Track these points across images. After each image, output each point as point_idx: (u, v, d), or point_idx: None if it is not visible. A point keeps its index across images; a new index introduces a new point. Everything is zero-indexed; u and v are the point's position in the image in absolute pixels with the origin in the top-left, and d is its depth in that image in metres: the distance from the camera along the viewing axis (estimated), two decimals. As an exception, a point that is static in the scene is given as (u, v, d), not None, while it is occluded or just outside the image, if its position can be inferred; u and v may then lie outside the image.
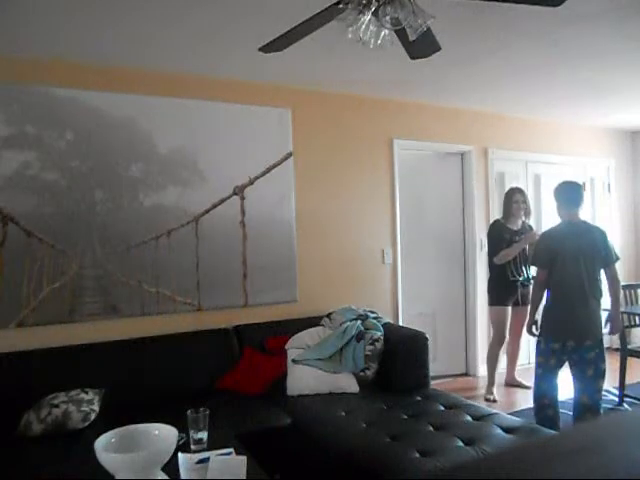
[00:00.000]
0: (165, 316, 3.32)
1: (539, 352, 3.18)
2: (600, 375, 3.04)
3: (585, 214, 5.41)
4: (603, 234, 3.12)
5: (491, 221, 4.47)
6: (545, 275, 3.15)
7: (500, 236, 4.14)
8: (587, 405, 3.06)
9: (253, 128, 3.60)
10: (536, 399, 3.22)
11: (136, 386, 2.89)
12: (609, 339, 5.63)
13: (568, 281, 3.05)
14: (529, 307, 3.39)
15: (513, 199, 4.19)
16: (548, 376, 3.14)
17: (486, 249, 4.70)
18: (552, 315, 3.12)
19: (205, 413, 2.15)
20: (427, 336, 3.23)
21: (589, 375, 3.03)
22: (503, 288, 4.15)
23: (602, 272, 3.15)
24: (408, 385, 3.07)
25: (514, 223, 4.21)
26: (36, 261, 2.97)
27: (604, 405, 3.90)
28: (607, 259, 3.09)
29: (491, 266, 4.22)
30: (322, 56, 3.14)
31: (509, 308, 4.17)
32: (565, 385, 4.01)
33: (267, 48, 2.14)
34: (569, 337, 3.02)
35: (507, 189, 4.40)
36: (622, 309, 4.05)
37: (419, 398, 2.93)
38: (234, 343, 3.28)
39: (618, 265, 3.24)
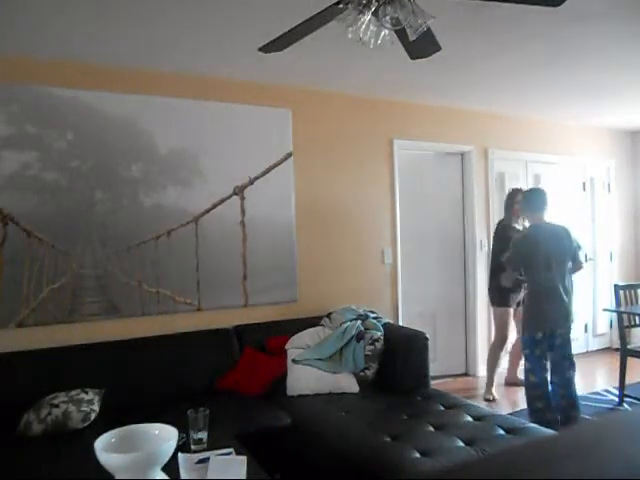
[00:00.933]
0: (165, 316, 3.32)
1: (525, 346, 3.47)
2: (567, 357, 3.38)
3: (584, 214, 5.46)
4: (567, 231, 3.47)
5: (495, 222, 4.44)
6: (516, 277, 3.57)
7: (508, 236, 4.09)
8: (564, 397, 3.36)
9: (253, 128, 3.60)
10: (527, 391, 3.45)
11: (136, 386, 2.89)
12: (609, 339, 5.66)
13: (544, 283, 3.37)
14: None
15: (516, 199, 4.17)
16: (537, 368, 3.38)
17: (486, 249, 4.72)
18: (532, 311, 3.42)
19: (205, 413, 2.15)
20: (427, 336, 3.23)
21: (558, 359, 3.38)
22: (508, 288, 4.12)
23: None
24: (408, 385, 3.07)
25: (517, 223, 4.20)
26: (36, 261, 2.97)
27: (604, 405, 3.93)
28: (575, 253, 3.47)
29: (495, 267, 4.19)
30: (322, 56, 3.14)
31: (511, 309, 4.16)
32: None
33: (267, 48, 2.14)
34: (547, 327, 3.36)
35: (509, 190, 4.37)
36: (622, 309, 4.08)
37: (419, 398, 2.92)
38: (234, 343, 3.28)
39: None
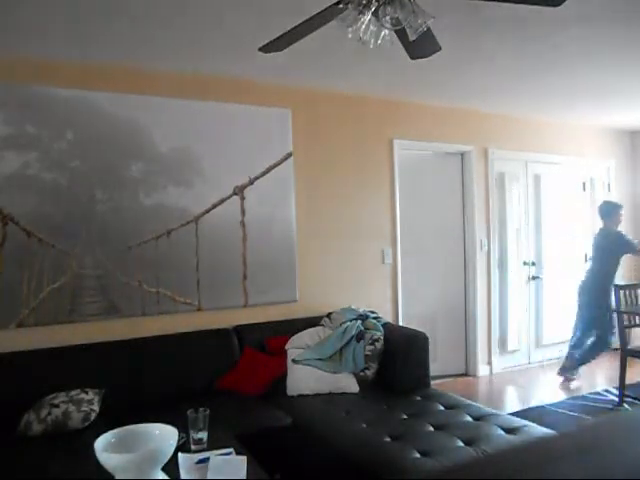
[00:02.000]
0: (165, 316, 3.32)
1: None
2: None
3: (585, 214, 5.47)
4: (615, 235, 4.45)
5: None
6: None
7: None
8: None
9: (253, 128, 3.60)
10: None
11: (136, 386, 2.89)
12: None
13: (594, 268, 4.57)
14: None
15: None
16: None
17: (486, 249, 4.74)
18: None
19: (205, 413, 2.15)
20: (427, 336, 3.23)
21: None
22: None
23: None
24: (408, 385, 3.07)
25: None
26: (36, 261, 2.97)
27: (604, 405, 3.94)
28: (626, 248, 4.50)
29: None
30: (322, 56, 3.14)
31: None
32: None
33: (267, 48, 2.14)
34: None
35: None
36: (622, 309, 4.09)
37: (419, 398, 2.93)
38: (234, 343, 3.28)
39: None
